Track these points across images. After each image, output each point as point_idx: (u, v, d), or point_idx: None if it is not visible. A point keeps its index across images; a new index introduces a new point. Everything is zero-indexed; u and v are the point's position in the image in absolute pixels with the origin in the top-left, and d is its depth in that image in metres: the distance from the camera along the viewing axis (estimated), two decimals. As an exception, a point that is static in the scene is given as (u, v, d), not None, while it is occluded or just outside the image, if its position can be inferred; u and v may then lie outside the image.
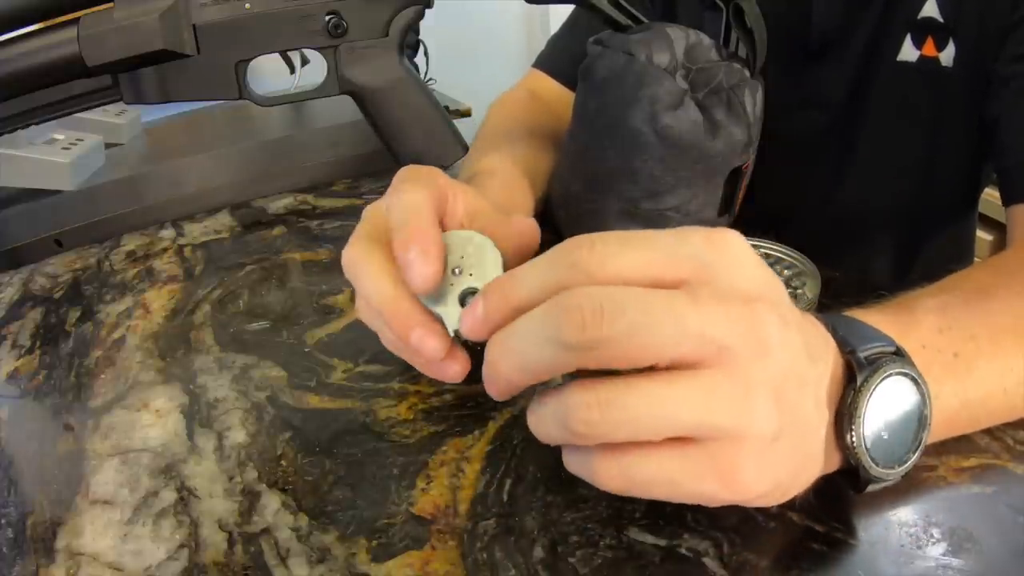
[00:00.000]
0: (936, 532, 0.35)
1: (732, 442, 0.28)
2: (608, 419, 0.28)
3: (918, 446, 0.35)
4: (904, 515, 0.36)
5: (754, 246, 0.54)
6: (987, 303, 0.40)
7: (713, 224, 0.58)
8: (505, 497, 0.39)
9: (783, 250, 0.54)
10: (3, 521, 0.40)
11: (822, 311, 0.50)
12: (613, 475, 0.30)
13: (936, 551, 0.35)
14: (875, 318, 0.37)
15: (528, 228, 0.41)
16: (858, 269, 0.70)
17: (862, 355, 0.33)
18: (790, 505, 0.34)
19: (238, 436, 0.45)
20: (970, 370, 0.37)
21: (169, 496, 0.41)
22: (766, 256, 0.54)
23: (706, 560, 0.35)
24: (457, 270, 0.35)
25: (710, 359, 0.28)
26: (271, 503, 0.40)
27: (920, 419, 0.34)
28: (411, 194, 0.37)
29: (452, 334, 0.34)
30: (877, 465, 0.34)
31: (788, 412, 0.30)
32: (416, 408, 0.46)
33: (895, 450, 0.34)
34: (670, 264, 0.29)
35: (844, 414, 0.33)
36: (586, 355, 0.27)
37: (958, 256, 0.74)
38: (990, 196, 0.69)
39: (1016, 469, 0.39)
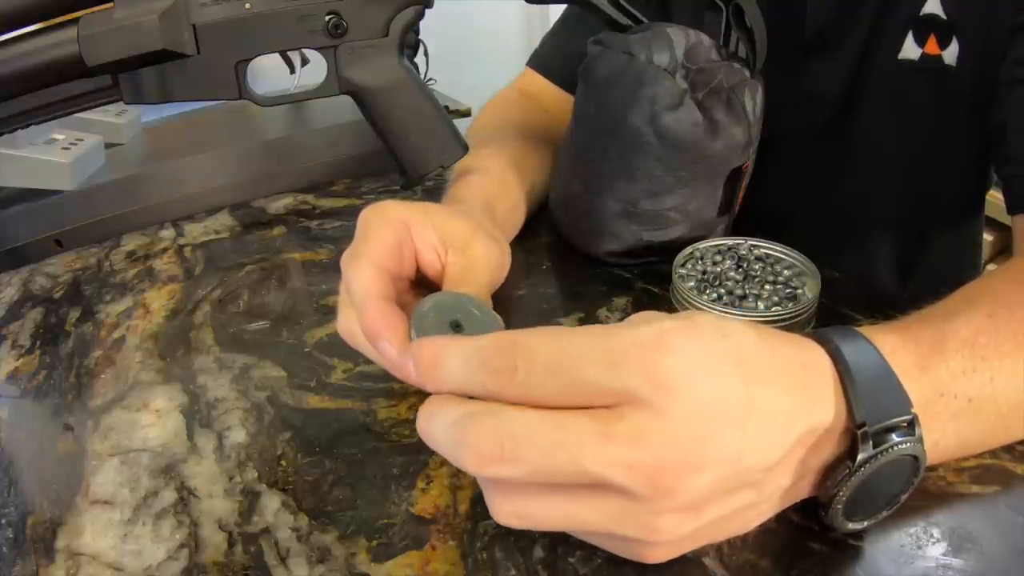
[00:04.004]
0: (936, 532, 0.35)
1: (644, 543, 0.30)
2: (525, 524, 0.30)
3: (896, 505, 0.35)
4: (904, 515, 0.36)
5: (753, 246, 0.54)
6: (1012, 323, 0.38)
7: (713, 224, 0.58)
8: (505, 497, 0.39)
9: (783, 250, 0.54)
10: (3, 521, 0.40)
11: (822, 311, 0.50)
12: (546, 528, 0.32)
13: (936, 551, 0.35)
14: (901, 352, 0.35)
15: (495, 261, 0.45)
16: (860, 269, 0.70)
17: (870, 430, 0.31)
18: (790, 505, 0.34)
19: (238, 436, 0.45)
20: (979, 413, 0.36)
21: (169, 496, 0.41)
22: (766, 256, 0.54)
23: (706, 560, 0.35)
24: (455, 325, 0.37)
25: (614, 491, 0.28)
26: (271, 503, 0.40)
27: (906, 487, 0.34)
28: (359, 278, 0.39)
29: None
30: (848, 524, 0.34)
31: (710, 515, 0.30)
32: (416, 408, 0.45)
33: (871, 509, 0.34)
34: (595, 398, 0.28)
35: (832, 487, 0.32)
36: (489, 478, 0.29)
37: (963, 258, 0.73)
38: (991, 197, 0.69)
39: (1016, 469, 0.39)
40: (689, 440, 0.28)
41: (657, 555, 0.31)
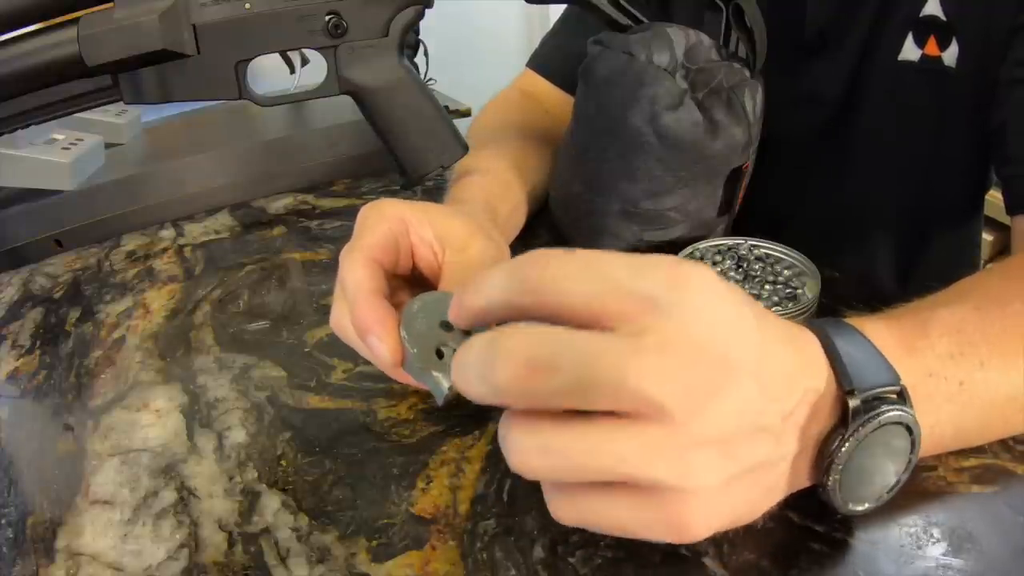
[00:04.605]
0: (936, 532, 0.35)
1: (677, 494, 0.28)
2: (548, 465, 0.28)
3: (896, 485, 0.35)
4: (904, 515, 0.36)
5: (753, 246, 0.54)
6: (1003, 318, 0.38)
7: (713, 224, 0.58)
8: (505, 497, 0.39)
9: (783, 250, 0.54)
10: (3, 521, 0.40)
11: (822, 311, 0.50)
12: (565, 510, 0.30)
13: (936, 551, 0.35)
14: (886, 334, 0.35)
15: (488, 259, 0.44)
16: (859, 269, 0.70)
17: (860, 399, 0.32)
18: (790, 505, 0.34)
19: (238, 436, 0.45)
20: (972, 398, 0.36)
21: (169, 496, 0.41)
22: (766, 256, 0.54)
23: (706, 560, 0.35)
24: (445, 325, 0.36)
25: (648, 414, 0.27)
26: (271, 503, 0.40)
27: (904, 464, 0.34)
28: (351, 273, 0.39)
29: (447, 390, 0.34)
30: (848, 504, 0.34)
31: (738, 459, 0.29)
32: (416, 408, 0.46)
33: (871, 490, 0.34)
34: (621, 299, 0.28)
35: (827, 456, 0.32)
36: (519, 398, 0.28)
37: (962, 258, 0.74)
38: (991, 197, 0.69)
39: (1016, 469, 0.39)
40: (713, 355, 0.28)
41: (694, 515, 0.29)
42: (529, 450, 0.28)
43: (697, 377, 0.27)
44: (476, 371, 0.28)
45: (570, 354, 0.27)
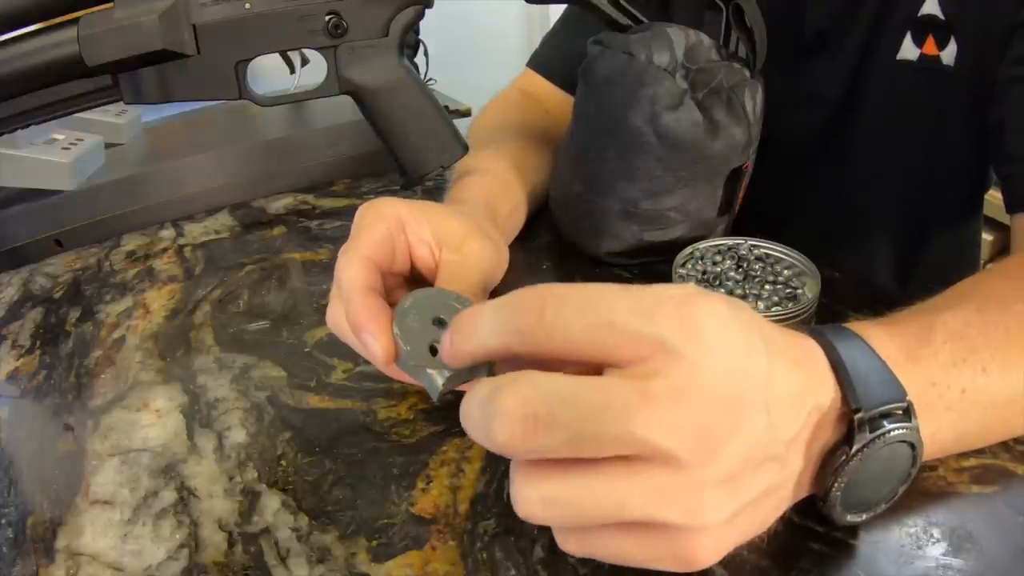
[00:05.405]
0: (936, 532, 0.35)
1: (685, 532, 0.28)
2: (552, 515, 0.28)
3: (893, 498, 0.35)
4: (904, 515, 0.36)
5: (753, 246, 0.54)
6: (1004, 320, 0.38)
7: (713, 224, 0.58)
8: (505, 497, 0.39)
9: (783, 250, 0.54)
10: (3, 521, 0.40)
11: (822, 311, 0.50)
12: (572, 545, 0.30)
13: (936, 551, 0.35)
14: (888, 342, 0.35)
15: (488, 261, 0.45)
16: (859, 269, 0.70)
17: (866, 416, 0.31)
18: (790, 506, 0.34)
19: (238, 436, 0.45)
20: (974, 404, 0.36)
21: (169, 496, 0.41)
22: (766, 256, 0.54)
23: (706, 560, 0.35)
24: (437, 322, 0.36)
25: (657, 460, 0.27)
26: (271, 503, 0.40)
27: (904, 478, 0.34)
28: (347, 271, 0.39)
29: (441, 386, 0.34)
30: (847, 515, 0.34)
31: (746, 492, 0.29)
32: (416, 408, 0.46)
33: (870, 501, 0.34)
34: (628, 343, 0.27)
35: (830, 472, 0.32)
36: (521, 454, 0.27)
37: (962, 258, 0.74)
38: (991, 196, 0.69)
39: (1016, 469, 0.39)
40: (726, 398, 0.27)
41: (702, 550, 0.29)
42: (533, 501, 0.28)
43: (709, 424, 0.27)
44: (476, 430, 0.28)
45: (569, 409, 0.26)
